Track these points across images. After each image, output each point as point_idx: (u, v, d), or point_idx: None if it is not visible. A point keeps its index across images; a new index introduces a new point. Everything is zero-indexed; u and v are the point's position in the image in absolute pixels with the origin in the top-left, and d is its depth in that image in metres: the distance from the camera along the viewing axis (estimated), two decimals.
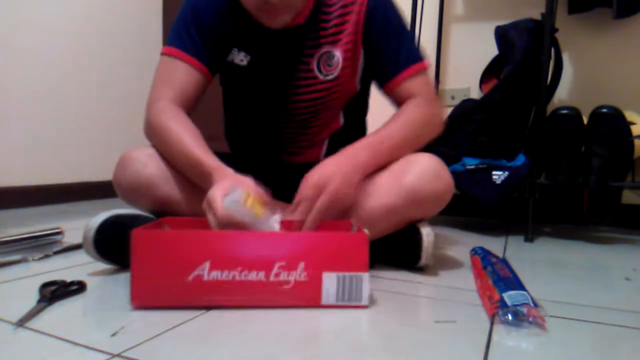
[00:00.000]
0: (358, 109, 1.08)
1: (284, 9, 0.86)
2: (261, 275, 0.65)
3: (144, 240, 0.64)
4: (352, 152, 0.85)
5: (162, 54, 0.95)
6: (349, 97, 1.01)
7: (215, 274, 0.64)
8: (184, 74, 0.92)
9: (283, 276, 0.65)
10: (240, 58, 0.96)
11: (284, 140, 1.04)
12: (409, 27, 0.98)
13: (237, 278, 0.64)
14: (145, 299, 0.64)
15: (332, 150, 1.05)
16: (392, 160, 0.88)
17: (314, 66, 0.95)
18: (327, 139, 1.04)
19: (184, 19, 0.95)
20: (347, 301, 0.66)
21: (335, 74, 0.95)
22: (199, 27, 0.94)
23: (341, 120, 1.04)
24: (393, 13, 0.95)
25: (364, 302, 0.67)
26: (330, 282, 0.66)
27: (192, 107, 0.95)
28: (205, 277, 0.64)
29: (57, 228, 1.11)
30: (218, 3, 0.95)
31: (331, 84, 0.96)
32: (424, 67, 0.96)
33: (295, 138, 1.03)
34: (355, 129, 1.08)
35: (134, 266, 0.63)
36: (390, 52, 0.94)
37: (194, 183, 0.86)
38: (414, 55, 0.95)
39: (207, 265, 0.64)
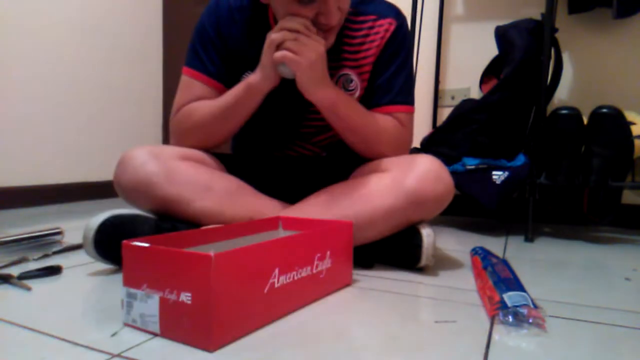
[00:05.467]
0: None
1: None
2: (308, 269, 0.67)
3: (221, 263, 0.51)
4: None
5: (183, 74, 1.00)
6: None
7: (282, 279, 0.62)
8: (199, 90, 0.96)
9: (320, 266, 0.71)
10: None
11: (288, 145, 1.06)
12: (413, 68, 1.01)
13: (295, 277, 0.64)
14: (227, 333, 0.54)
15: (339, 142, 1.05)
16: (344, 119, 0.90)
17: (335, 79, 0.96)
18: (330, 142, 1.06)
19: (199, 35, 0.97)
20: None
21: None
22: (216, 41, 0.96)
23: None
24: (406, 47, 0.97)
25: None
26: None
27: None
28: (277, 284, 0.61)
29: (57, 228, 1.11)
30: (236, 21, 0.95)
31: None
32: (410, 111, 0.98)
33: (300, 146, 1.05)
34: None
35: (214, 298, 0.50)
36: (384, 80, 0.96)
37: (197, 181, 0.88)
38: (406, 96, 0.97)
39: (277, 271, 0.61)
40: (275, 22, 0.89)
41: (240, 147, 1.14)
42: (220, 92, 0.95)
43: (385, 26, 0.95)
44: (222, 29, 0.95)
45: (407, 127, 0.98)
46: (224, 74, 0.96)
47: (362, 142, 0.94)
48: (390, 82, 0.96)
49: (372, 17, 0.96)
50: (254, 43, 0.92)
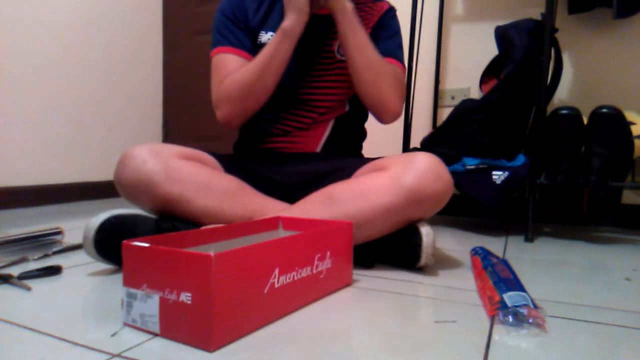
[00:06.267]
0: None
1: None
2: (308, 269, 0.68)
3: (221, 263, 0.51)
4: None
5: (211, 57, 1.07)
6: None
7: (283, 279, 0.62)
8: (233, 62, 1.03)
9: (320, 266, 0.71)
10: (267, 38, 1.05)
11: (293, 114, 1.07)
12: (401, 41, 1.13)
13: (296, 277, 0.65)
14: (227, 333, 0.54)
15: (335, 133, 1.09)
16: (359, 37, 0.98)
17: (335, 48, 1.06)
18: (333, 121, 1.08)
19: (220, 19, 1.07)
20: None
21: None
22: (235, 20, 1.06)
23: (347, 107, 1.10)
24: (397, 23, 1.13)
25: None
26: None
27: None
28: (277, 284, 0.61)
29: (57, 228, 1.11)
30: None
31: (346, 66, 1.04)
32: (401, 67, 1.08)
33: (304, 114, 1.06)
34: (358, 116, 1.15)
35: (214, 298, 0.50)
36: (378, 40, 1.06)
37: (198, 180, 0.89)
38: (398, 54, 1.09)
39: (277, 271, 0.61)
40: None
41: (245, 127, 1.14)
42: (248, 60, 1.02)
43: (380, 7, 1.12)
44: (237, 12, 1.06)
45: (404, 81, 1.09)
46: (251, 47, 1.05)
47: (368, 70, 1.00)
48: (386, 41, 1.08)
49: (370, 0, 1.12)
50: (266, 11, 1.07)
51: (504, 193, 1.33)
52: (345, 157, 1.07)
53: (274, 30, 1.03)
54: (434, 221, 1.59)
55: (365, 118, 1.18)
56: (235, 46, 1.04)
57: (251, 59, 1.01)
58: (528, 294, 0.65)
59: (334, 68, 1.06)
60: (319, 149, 1.08)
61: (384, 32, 1.09)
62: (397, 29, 1.12)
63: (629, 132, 1.25)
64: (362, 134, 1.20)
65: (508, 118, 1.44)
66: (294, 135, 1.07)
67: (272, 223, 0.85)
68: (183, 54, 2.46)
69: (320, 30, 1.05)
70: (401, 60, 1.09)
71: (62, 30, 1.94)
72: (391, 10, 1.13)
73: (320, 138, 1.08)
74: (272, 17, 1.07)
